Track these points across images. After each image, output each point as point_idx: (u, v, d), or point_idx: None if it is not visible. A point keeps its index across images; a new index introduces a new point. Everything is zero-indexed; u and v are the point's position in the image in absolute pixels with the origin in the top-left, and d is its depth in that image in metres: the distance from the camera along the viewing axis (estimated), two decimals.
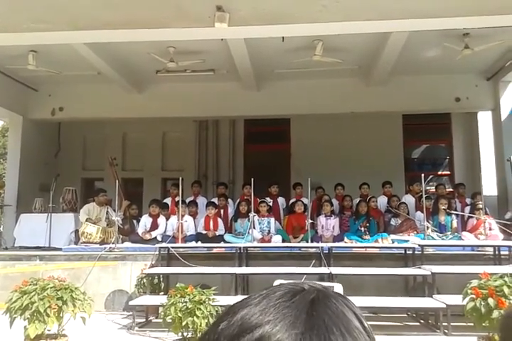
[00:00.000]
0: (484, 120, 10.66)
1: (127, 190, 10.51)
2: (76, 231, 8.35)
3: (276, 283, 0.72)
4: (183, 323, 4.96)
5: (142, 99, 10.27)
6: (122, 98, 10.15)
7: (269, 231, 7.99)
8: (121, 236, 8.15)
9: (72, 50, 8.02)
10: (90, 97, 10.13)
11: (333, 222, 8.10)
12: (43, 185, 9.83)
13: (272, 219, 8.15)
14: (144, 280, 6.69)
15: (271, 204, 8.64)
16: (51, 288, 4.86)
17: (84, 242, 7.90)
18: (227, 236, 7.94)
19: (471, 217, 7.87)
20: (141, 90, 10.33)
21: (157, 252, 7.19)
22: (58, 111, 10.42)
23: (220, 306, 5.31)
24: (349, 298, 0.61)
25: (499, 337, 0.86)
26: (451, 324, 5.35)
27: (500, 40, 7.93)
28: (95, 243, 7.88)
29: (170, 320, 4.98)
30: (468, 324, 4.56)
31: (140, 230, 8.29)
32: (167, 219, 8.42)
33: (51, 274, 5.50)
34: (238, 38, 7.37)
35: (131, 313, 6.16)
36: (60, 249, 7.75)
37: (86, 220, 8.11)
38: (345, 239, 7.74)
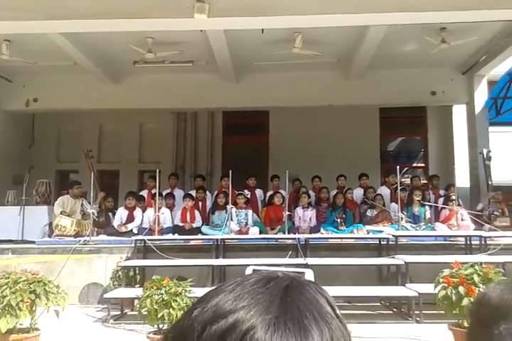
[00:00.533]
0: (459, 113, 10.83)
1: (103, 182, 10.38)
2: (50, 224, 8.22)
3: (249, 270, 0.72)
4: (159, 315, 4.94)
5: (119, 90, 10.13)
6: (98, 89, 9.99)
7: (246, 223, 8.01)
8: (96, 229, 8.05)
9: (47, 39, 7.86)
10: (66, 88, 9.94)
11: (310, 213, 8.16)
12: (16, 177, 9.64)
13: (250, 211, 8.16)
14: (120, 273, 6.63)
15: (249, 196, 8.65)
16: (24, 281, 4.78)
17: (58, 235, 7.79)
18: (205, 229, 7.93)
19: (444, 208, 8.02)
20: (118, 81, 10.19)
21: (133, 245, 7.13)
22: (33, 102, 10.22)
23: (197, 298, 5.31)
24: (324, 287, 0.62)
25: (469, 323, 0.88)
26: (423, 312, 5.46)
27: (475, 36, 8.06)
28: (69, 236, 7.77)
29: (145, 313, 4.96)
30: (440, 312, 4.65)
31: (116, 223, 8.21)
32: (143, 211, 8.36)
33: (24, 268, 5.41)
34: (217, 29, 7.32)
35: (106, 306, 6.11)
36: (33, 242, 7.62)
37: (60, 213, 7.99)
38: (322, 230, 7.81)
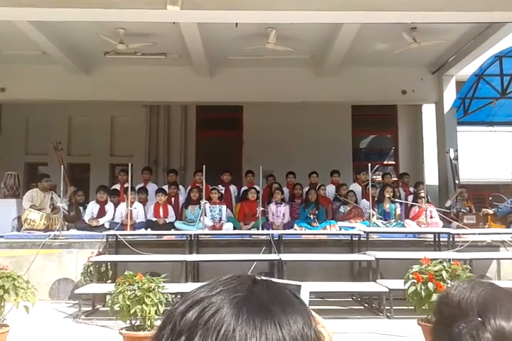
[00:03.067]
0: (428, 113, 11.09)
1: (73, 176, 10.18)
2: (19, 218, 8.02)
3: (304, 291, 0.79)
4: (132, 311, 4.91)
5: (89, 81, 9.91)
6: (68, 80, 9.75)
7: (220, 218, 8.01)
8: (66, 223, 7.91)
9: (14, 27, 7.61)
10: (34, 78, 9.66)
11: (284, 209, 8.23)
12: None
13: (224, 207, 8.16)
14: (91, 269, 6.55)
15: (223, 191, 8.65)
16: None
17: (27, 229, 7.61)
18: (178, 224, 7.89)
19: (414, 205, 8.22)
20: (89, 72, 9.97)
21: (105, 240, 7.04)
22: (0, 92, 9.88)
23: (170, 294, 5.30)
24: (303, 282, 0.70)
25: (434, 321, 0.90)
26: (394, 307, 5.60)
27: (443, 40, 8.28)
28: (39, 230, 7.61)
29: (118, 308, 4.92)
30: (410, 307, 4.78)
31: (86, 217, 8.08)
32: (115, 205, 8.25)
33: None
34: (191, 22, 7.25)
35: (77, 302, 6.04)
36: (1, 236, 7.42)
37: (30, 207, 7.81)
38: (295, 226, 7.89)
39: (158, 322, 4.71)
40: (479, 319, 0.78)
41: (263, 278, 0.65)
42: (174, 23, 7.32)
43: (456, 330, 0.78)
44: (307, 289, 0.76)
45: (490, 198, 9.13)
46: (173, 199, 8.68)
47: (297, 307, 0.61)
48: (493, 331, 0.77)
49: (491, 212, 8.06)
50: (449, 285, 4.62)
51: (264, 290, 0.62)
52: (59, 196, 7.91)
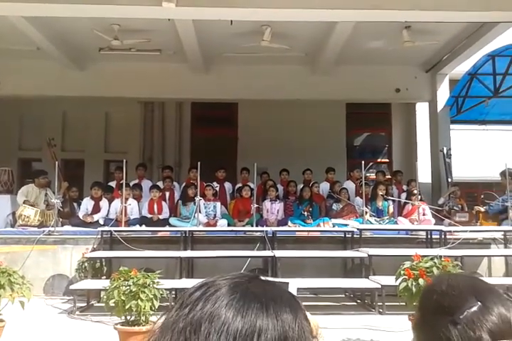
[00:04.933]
0: (422, 111, 11.16)
1: (67, 172, 10.18)
2: (13, 214, 8.01)
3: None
4: (127, 306, 4.95)
5: (84, 77, 9.88)
6: (63, 75, 9.72)
7: (214, 215, 8.04)
8: (60, 220, 7.91)
9: (8, 22, 7.57)
10: (28, 73, 9.61)
11: (278, 206, 8.28)
12: None
13: (218, 204, 8.20)
14: (86, 265, 6.57)
15: (217, 188, 8.68)
16: None
17: (21, 225, 7.61)
18: (173, 220, 7.92)
19: (407, 202, 8.29)
20: (84, 68, 9.94)
21: (99, 236, 7.06)
22: None
23: (165, 289, 5.33)
24: (291, 279, 0.79)
25: (425, 314, 0.93)
26: (386, 303, 5.67)
27: (436, 41, 8.34)
28: (33, 226, 7.61)
29: (113, 304, 4.95)
30: (401, 303, 4.85)
31: (81, 213, 8.08)
32: (110, 202, 8.26)
33: None
34: (186, 18, 7.25)
35: (71, 297, 6.06)
36: None
37: (24, 202, 7.80)
38: (289, 222, 7.94)
39: (153, 318, 4.77)
40: (479, 303, 0.83)
41: (266, 277, 0.74)
42: (169, 19, 7.32)
43: (461, 317, 0.82)
44: (295, 286, 0.83)
45: (482, 196, 9.22)
46: (167, 193, 8.70)
47: (289, 301, 0.68)
48: (496, 313, 0.82)
49: (482, 209, 8.15)
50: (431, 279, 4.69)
51: (262, 283, 0.71)
52: (53, 192, 7.91)
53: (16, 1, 6.12)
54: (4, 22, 7.57)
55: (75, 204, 8.59)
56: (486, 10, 6.36)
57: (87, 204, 8.20)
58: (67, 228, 7.76)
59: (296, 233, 7.61)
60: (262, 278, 0.72)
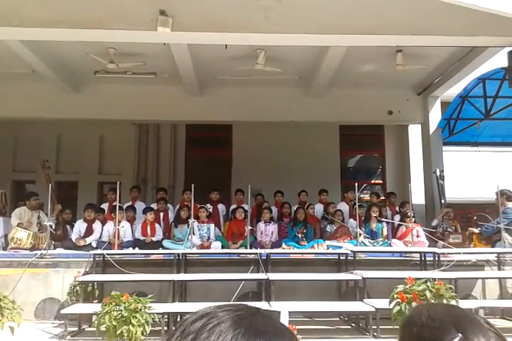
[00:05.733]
0: (414, 133, 11.28)
1: (61, 194, 10.14)
2: (5, 236, 7.94)
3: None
4: (118, 332, 4.88)
5: (79, 99, 9.97)
6: (58, 98, 9.80)
7: (208, 237, 8.00)
8: (53, 242, 7.84)
9: (4, 45, 7.67)
10: (24, 96, 9.67)
11: (272, 228, 8.26)
12: None
13: (212, 226, 8.17)
14: (77, 288, 6.48)
15: (211, 210, 8.66)
16: None
17: (13, 248, 7.53)
18: (166, 243, 7.87)
19: (401, 224, 8.29)
20: (79, 90, 10.03)
21: (91, 259, 6.99)
22: None
23: (157, 314, 5.27)
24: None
25: (398, 336, 0.94)
26: (380, 327, 5.60)
27: (426, 65, 8.51)
28: (25, 249, 7.54)
29: (104, 329, 4.89)
30: (395, 327, 4.81)
31: (74, 236, 8.02)
32: (103, 224, 8.21)
33: None
34: (181, 43, 7.38)
35: (63, 322, 5.97)
36: None
37: (17, 225, 7.74)
38: (284, 244, 7.91)
39: None
40: (460, 335, 0.84)
41: (265, 309, 0.76)
42: (164, 44, 7.44)
43: None
44: (286, 313, 0.84)
45: (475, 218, 9.24)
46: (161, 214, 8.67)
47: (287, 335, 0.71)
48: None
49: (476, 231, 8.16)
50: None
51: (262, 315, 0.72)
52: (46, 214, 7.86)
53: (12, 25, 6.21)
54: (0, 45, 7.66)
55: (68, 227, 8.53)
56: (474, 35, 6.52)
57: (80, 226, 8.14)
58: (60, 251, 7.68)
59: (291, 255, 7.57)
60: (261, 311, 0.74)
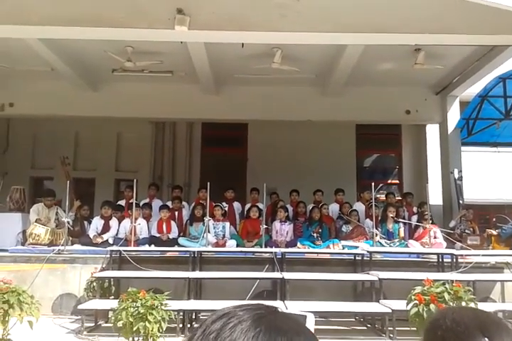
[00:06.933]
0: (432, 133, 11.14)
1: (78, 190, 10.25)
2: (23, 232, 8.05)
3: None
4: (134, 328, 4.92)
5: (97, 97, 10.05)
6: (76, 96, 9.90)
7: (223, 235, 8.02)
8: (70, 238, 7.94)
9: (24, 44, 7.76)
10: (42, 94, 9.80)
11: (287, 227, 8.24)
12: None
13: (227, 224, 8.18)
14: (94, 284, 6.55)
15: (226, 208, 8.67)
16: None
17: (31, 243, 7.64)
18: (182, 240, 7.90)
19: (418, 225, 8.20)
20: (96, 89, 10.12)
21: (108, 255, 7.05)
22: (8, 107, 10.02)
23: (173, 311, 5.30)
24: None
25: (422, 338, 0.92)
26: (397, 328, 5.56)
27: (443, 65, 8.40)
28: (43, 244, 7.64)
29: (121, 325, 4.92)
30: (412, 328, 4.76)
31: (91, 232, 8.10)
32: (120, 221, 8.28)
33: None
34: (198, 41, 7.39)
35: (79, 317, 6.03)
36: (6, 250, 7.45)
37: (35, 221, 7.85)
38: (299, 244, 7.88)
39: (160, 339, 4.73)
40: (486, 339, 0.82)
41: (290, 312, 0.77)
42: (182, 42, 7.46)
43: None
44: (312, 319, 0.83)
45: (494, 219, 9.10)
46: (176, 213, 8.71)
47: (311, 337, 0.71)
48: None
49: (495, 233, 8.04)
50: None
51: (282, 314, 0.72)
52: (64, 211, 7.96)
53: (32, 23, 6.29)
54: (20, 44, 7.77)
55: (86, 223, 8.62)
56: (495, 33, 6.41)
57: (97, 223, 8.23)
58: (77, 247, 7.78)
59: (306, 255, 7.54)
60: (281, 310, 0.74)
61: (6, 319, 4.64)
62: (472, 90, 9.73)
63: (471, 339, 0.83)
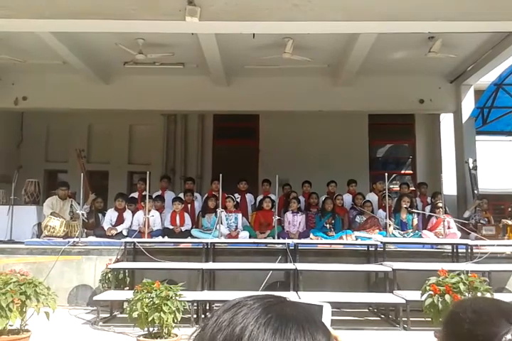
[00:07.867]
0: (446, 122, 11.01)
1: (92, 183, 10.34)
2: (39, 225, 8.16)
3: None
4: (149, 319, 4.97)
5: (109, 90, 10.09)
6: (88, 89, 9.94)
7: (236, 227, 8.04)
8: (85, 230, 8.03)
9: (37, 38, 7.80)
10: (55, 87, 9.86)
11: (300, 218, 8.23)
12: (4, 177, 9.54)
13: (240, 215, 8.20)
14: (109, 275, 6.63)
15: (238, 200, 8.69)
16: (14, 282, 4.77)
17: (47, 236, 7.74)
18: (195, 232, 7.94)
19: (432, 215, 8.14)
20: (108, 81, 10.15)
21: (123, 247, 7.13)
22: (22, 101, 10.10)
23: (187, 301, 5.34)
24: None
25: (443, 332, 0.91)
26: (411, 319, 5.54)
27: (456, 54, 8.24)
28: (58, 237, 7.73)
29: (136, 316, 4.98)
30: (427, 319, 4.74)
31: (105, 225, 8.18)
32: (133, 213, 8.35)
33: (12, 268, 5.39)
34: (209, 32, 7.35)
35: (95, 308, 6.11)
36: (22, 243, 7.57)
37: (51, 214, 7.94)
38: (311, 235, 7.87)
39: (175, 330, 4.78)
40: None
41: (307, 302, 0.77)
42: (192, 33, 7.43)
43: None
44: (329, 309, 0.81)
45: (510, 209, 9.00)
46: (189, 205, 8.75)
47: (322, 325, 0.71)
48: None
49: (510, 223, 7.95)
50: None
51: (292, 303, 0.73)
52: (78, 203, 8.04)
53: (44, 17, 6.30)
54: (32, 37, 7.81)
55: (100, 215, 8.70)
56: (510, 19, 6.27)
57: (111, 215, 8.30)
58: (92, 239, 7.86)
59: (318, 245, 7.53)
60: (290, 299, 0.74)
61: (24, 310, 4.70)
62: (487, 78, 9.58)
63: (497, 328, 0.82)
